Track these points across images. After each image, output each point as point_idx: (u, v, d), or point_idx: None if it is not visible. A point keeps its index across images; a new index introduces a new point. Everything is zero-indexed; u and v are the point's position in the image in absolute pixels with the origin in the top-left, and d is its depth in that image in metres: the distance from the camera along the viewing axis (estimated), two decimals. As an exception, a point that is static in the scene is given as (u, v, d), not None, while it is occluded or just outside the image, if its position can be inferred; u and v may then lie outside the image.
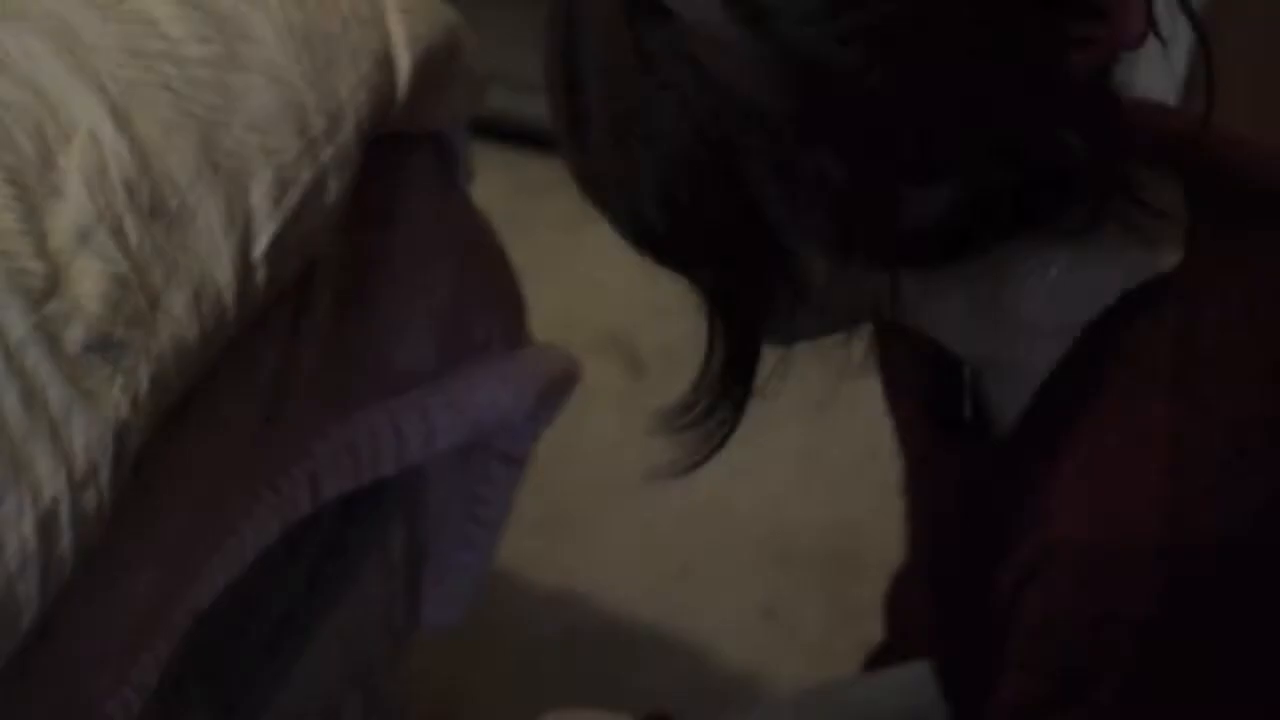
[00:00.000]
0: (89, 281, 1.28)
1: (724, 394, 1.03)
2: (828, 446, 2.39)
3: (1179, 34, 1.01)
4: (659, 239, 1.00)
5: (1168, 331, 0.99)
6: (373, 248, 1.57)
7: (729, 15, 0.92)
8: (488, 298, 1.71)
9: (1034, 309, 1.01)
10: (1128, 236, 1.00)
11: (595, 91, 0.98)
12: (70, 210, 1.30)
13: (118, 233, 1.31)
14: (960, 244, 0.98)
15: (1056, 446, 1.00)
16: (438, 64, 1.55)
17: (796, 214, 0.96)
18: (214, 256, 1.35)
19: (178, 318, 1.31)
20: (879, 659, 1.45)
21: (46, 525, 1.20)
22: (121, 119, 1.36)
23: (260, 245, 1.37)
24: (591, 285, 2.47)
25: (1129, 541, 0.96)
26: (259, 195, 1.39)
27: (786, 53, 0.91)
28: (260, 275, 1.37)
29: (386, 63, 1.50)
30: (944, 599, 1.16)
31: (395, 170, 1.58)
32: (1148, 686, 0.97)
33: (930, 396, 1.14)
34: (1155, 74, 1.16)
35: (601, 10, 0.97)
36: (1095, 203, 0.98)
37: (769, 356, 1.05)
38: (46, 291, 1.26)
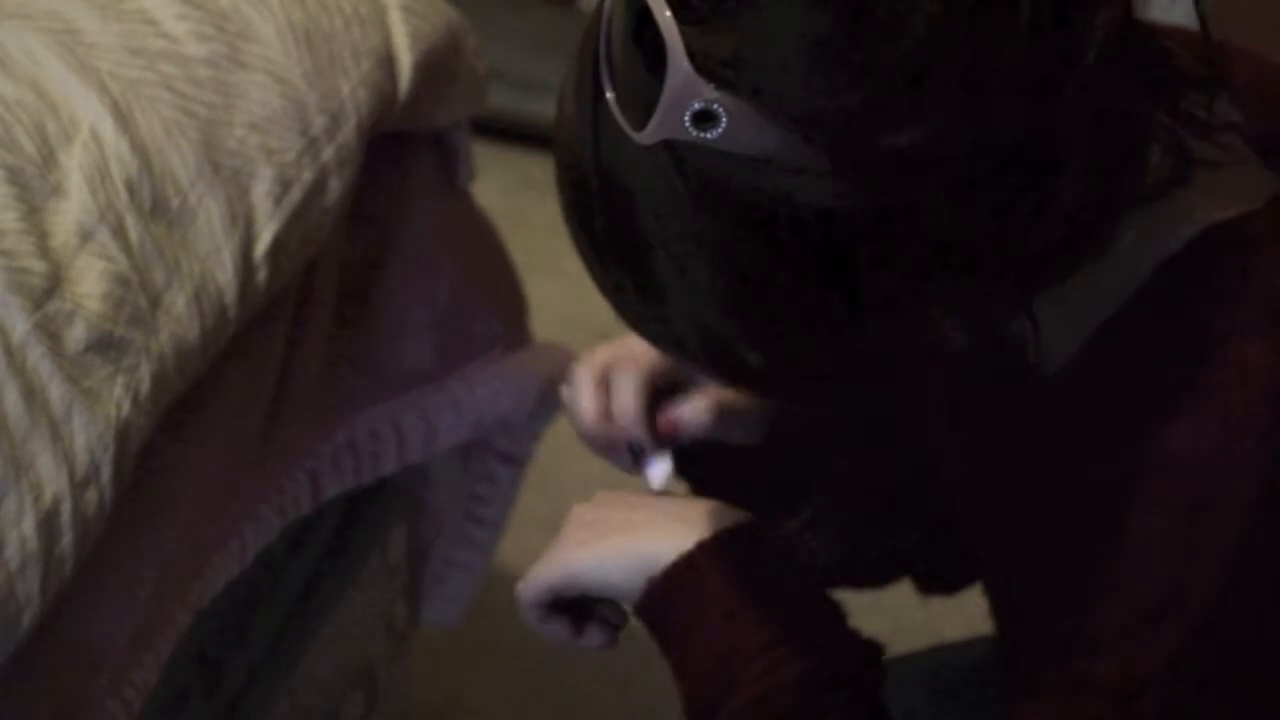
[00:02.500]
0: (90, 280, 1.28)
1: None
2: (828, 446, 2.38)
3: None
4: (754, 372, 0.99)
5: (1260, 268, 0.98)
6: (374, 247, 1.57)
7: (777, 137, 0.90)
8: (488, 297, 1.71)
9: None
10: (1210, 171, 0.99)
11: (649, 230, 0.96)
12: (71, 209, 1.30)
13: (119, 232, 1.31)
14: (1083, 250, 0.97)
15: (1132, 378, 0.99)
16: (439, 63, 1.55)
17: (929, 295, 0.95)
18: (215, 256, 1.34)
19: (179, 317, 1.31)
20: None
21: (47, 524, 1.20)
22: (123, 118, 1.36)
23: (261, 245, 1.37)
24: (591, 284, 2.46)
25: (1232, 453, 0.96)
26: (260, 194, 1.39)
27: (852, 156, 0.89)
28: (261, 275, 1.37)
29: (388, 62, 1.50)
30: (983, 537, 1.14)
31: (396, 170, 1.58)
32: (1237, 607, 0.97)
33: None
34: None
35: (637, 149, 0.93)
36: (1177, 141, 0.97)
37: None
38: (47, 290, 1.26)
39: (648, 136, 0.91)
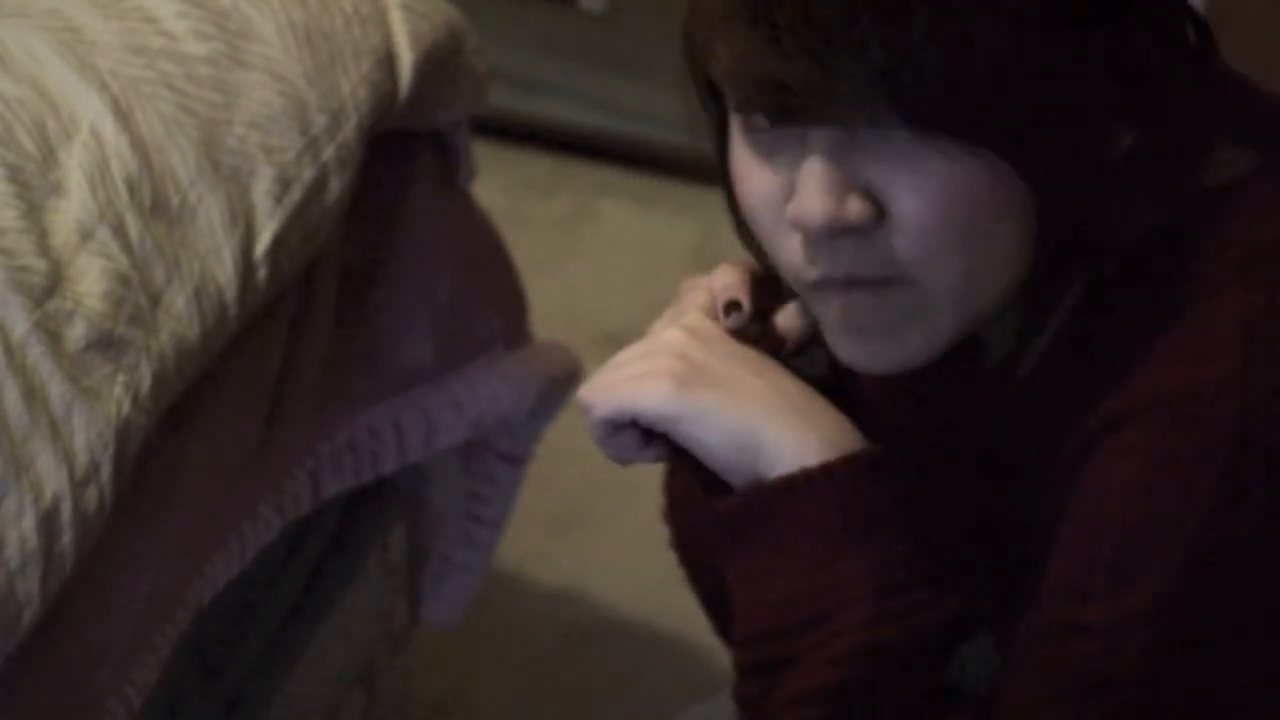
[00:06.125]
0: (90, 279, 1.28)
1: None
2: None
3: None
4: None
5: (1240, 229, 1.01)
6: (374, 246, 1.57)
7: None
8: (489, 296, 1.71)
9: None
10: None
11: None
12: (72, 208, 1.30)
13: (119, 230, 1.31)
14: None
15: (1109, 338, 1.01)
16: (439, 62, 1.55)
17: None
18: (215, 255, 1.35)
19: (179, 316, 1.31)
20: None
21: (48, 523, 1.20)
22: (123, 116, 1.36)
23: (262, 244, 1.37)
24: (592, 284, 2.47)
25: (1206, 393, 0.98)
26: (260, 193, 1.39)
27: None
28: (262, 274, 1.37)
29: (388, 61, 1.50)
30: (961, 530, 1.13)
31: (397, 169, 1.58)
32: (1207, 569, 0.98)
33: None
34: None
35: None
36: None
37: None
38: (48, 289, 1.26)
39: None
